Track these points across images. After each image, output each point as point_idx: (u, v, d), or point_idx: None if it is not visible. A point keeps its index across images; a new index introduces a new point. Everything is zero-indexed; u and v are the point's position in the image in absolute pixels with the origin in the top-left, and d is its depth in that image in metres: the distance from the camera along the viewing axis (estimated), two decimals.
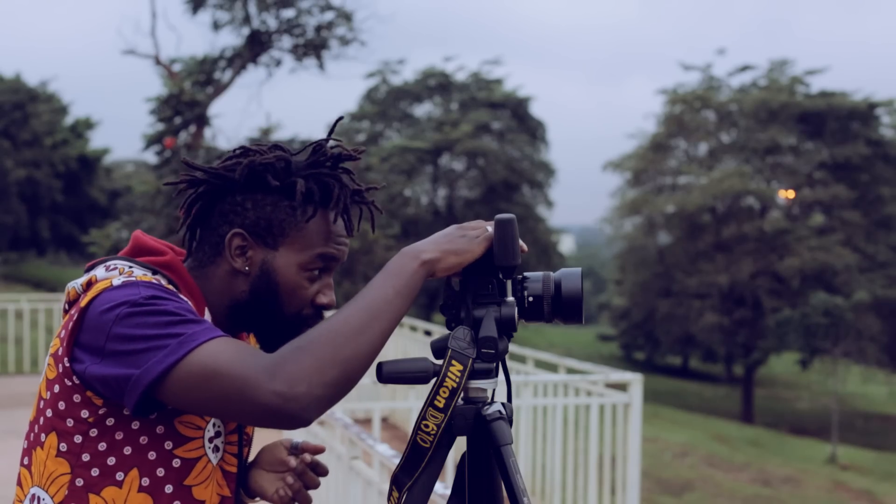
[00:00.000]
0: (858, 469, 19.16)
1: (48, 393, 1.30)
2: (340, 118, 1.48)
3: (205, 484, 1.33)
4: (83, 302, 1.26)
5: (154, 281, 1.29)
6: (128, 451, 1.27)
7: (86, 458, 1.27)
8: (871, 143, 29.67)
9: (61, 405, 1.28)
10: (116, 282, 1.27)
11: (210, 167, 1.39)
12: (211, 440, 1.34)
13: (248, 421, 1.22)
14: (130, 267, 1.32)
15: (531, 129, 33.38)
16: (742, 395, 28.89)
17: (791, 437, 23.33)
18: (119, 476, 1.27)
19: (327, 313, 1.39)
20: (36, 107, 26.27)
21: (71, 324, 1.26)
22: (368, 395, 7.96)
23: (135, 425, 1.27)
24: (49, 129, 26.89)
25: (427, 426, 1.31)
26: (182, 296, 1.30)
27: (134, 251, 1.38)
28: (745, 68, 32.38)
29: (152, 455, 1.28)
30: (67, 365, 1.26)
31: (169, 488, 1.29)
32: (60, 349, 1.28)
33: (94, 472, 1.27)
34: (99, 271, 1.31)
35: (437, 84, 33.80)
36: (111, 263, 1.33)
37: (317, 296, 1.39)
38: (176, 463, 1.30)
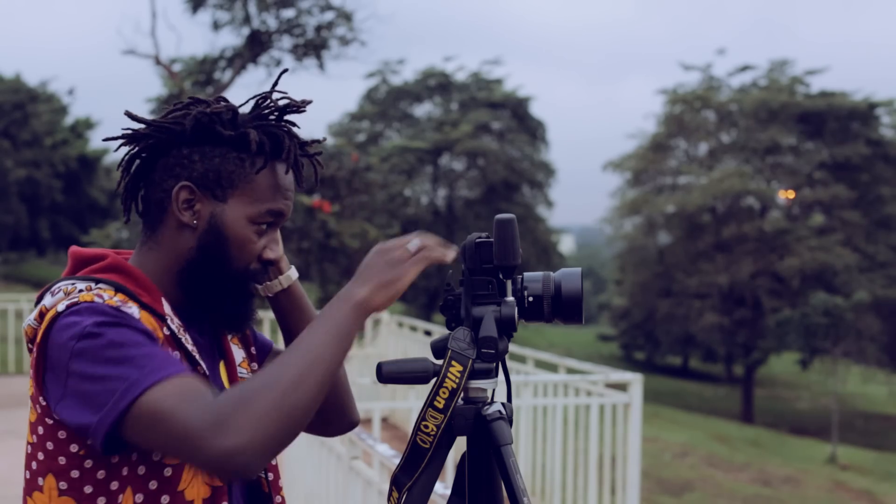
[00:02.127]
0: (858, 469, 19.15)
1: (34, 436, 1.28)
2: (286, 70, 1.45)
3: (192, 484, 1.31)
4: (38, 337, 1.24)
5: (97, 299, 1.24)
6: (125, 471, 1.26)
7: (88, 490, 1.25)
8: (871, 143, 29.67)
9: (49, 445, 1.26)
10: (61, 307, 1.24)
11: (153, 120, 1.35)
12: None
13: (199, 469, 1.22)
14: (73, 284, 1.29)
15: (531, 129, 33.39)
16: (742, 395, 28.89)
17: (791, 437, 23.33)
18: (120, 498, 1.26)
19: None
20: (36, 107, 26.27)
21: (34, 362, 1.25)
22: (368, 395, 7.96)
23: None
24: (49, 129, 26.90)
25: (427, 426, 1.30)
26: (126, 308, 1.25)
27: (74, 266, 1.35)
28: (745, 68, 32.39)
29: (142, 469, 1.26)
30: (44, 404, 1.25)
31: (165, 499, 1.28)
32: (34, 389, 1.26)
33: (101, 500, 1.25)
34: (46, 300, 1.28)
35: (437, 84, 33.81)
36: (55, 287, 1.30)
37: (264, 251, 1.37)
38: (167, 472, 1.28)
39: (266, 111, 1.36)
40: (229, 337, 1.46)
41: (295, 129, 1.38)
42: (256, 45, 15.66)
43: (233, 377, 1.42)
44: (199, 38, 23.73)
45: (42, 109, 26.72)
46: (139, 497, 1.26)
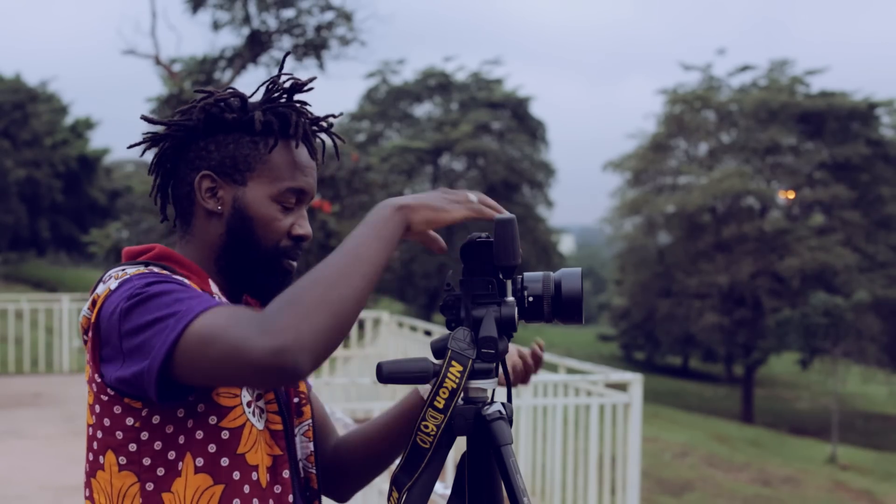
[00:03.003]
0: (858, 469, 19.16)
1: (93, 417, 1.32)
2: (288, 53, 1.52)
3: (254, 449, 1.33)
4: (93, 319, 1.29)
5: (147, 271, 1.30)
6: (181, 440, 1.28)
7: (147, 462, 1.28)
8: (871, 143, 29.69)
9: (106, 422, 1.29)
10: (113, 286, 1.28)
11: (169, 120, 1.41)
12: (249, 404, 1.34)
13: (249, 382, 1.21)
14: (123, 270, 1.33)
15: (531, 129, 33.41)
16: (742, 395, 28.90)
17: (791, 437, 23.34)
18: (179, 466, 1.29)
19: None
20: (36, 107, 26.30)
21: (91, 344, 1.29)
22: (368, 395, 7.97)
23: (180, 413, 1.28)
24: (49, 129, 26.93)
25: (426, 427, 1.30)
26: (179, 275, 1.32)
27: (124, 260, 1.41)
28: (745, 68, 32.42)
29: (199, 434, 1.29)
30: (99, 381, 1.28)
31: (225, 461, 1.30)
32: (90, 371, 1.31)
33: (160, 471, 1.28)
34: (98, 288, 1.33)
35: (437, 84, 33.83)
36: (106, 276, 1.34)
37: (293, 227, 1.40)
38: (224, 435, 1.30)
39: (275, 94, 1.41)
40: None
41: (306, 108, 1.42)
42: (256, 45, 15.66)
43: None
44: (199, 38, 23.77)
45: (42, 109, 26.76)
46: (199, 461, 1.29)
